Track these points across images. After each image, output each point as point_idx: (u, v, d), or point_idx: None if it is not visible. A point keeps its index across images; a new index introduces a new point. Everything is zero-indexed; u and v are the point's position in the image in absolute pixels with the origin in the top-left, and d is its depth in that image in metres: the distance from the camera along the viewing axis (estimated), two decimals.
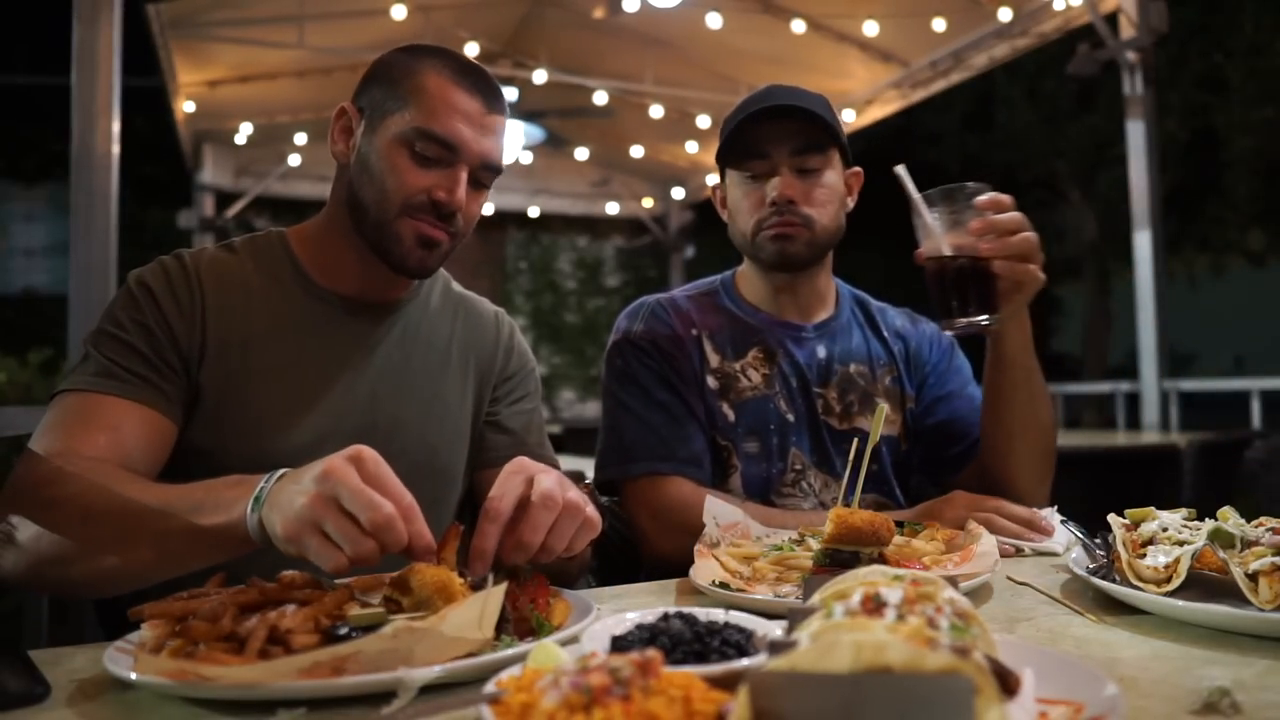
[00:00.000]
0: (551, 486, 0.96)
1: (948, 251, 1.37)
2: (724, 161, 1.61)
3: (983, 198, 1.36)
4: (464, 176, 1.27)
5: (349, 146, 1.32)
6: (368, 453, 0.89)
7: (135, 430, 1.17)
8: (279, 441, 1.25)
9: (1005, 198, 1.37)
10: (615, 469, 1.58)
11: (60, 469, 1.09)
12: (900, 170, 1.40)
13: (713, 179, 1.72)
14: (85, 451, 1.12)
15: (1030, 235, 1.36)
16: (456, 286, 1.55)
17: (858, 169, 1.65)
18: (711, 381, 1.61)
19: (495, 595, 0.84)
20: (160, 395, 1.21)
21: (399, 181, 1.26)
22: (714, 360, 1.62)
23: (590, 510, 1.00)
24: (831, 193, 1.57)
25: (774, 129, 1.53)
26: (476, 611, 0.82)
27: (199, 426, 1.24)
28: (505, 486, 0.97)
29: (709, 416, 1.60)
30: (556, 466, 1.49)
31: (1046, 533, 1.34)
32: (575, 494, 0.99)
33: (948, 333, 1.53)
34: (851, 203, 1.65)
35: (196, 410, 1.24)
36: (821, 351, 1.66)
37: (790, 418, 1.60)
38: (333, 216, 1.36)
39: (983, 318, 1.37)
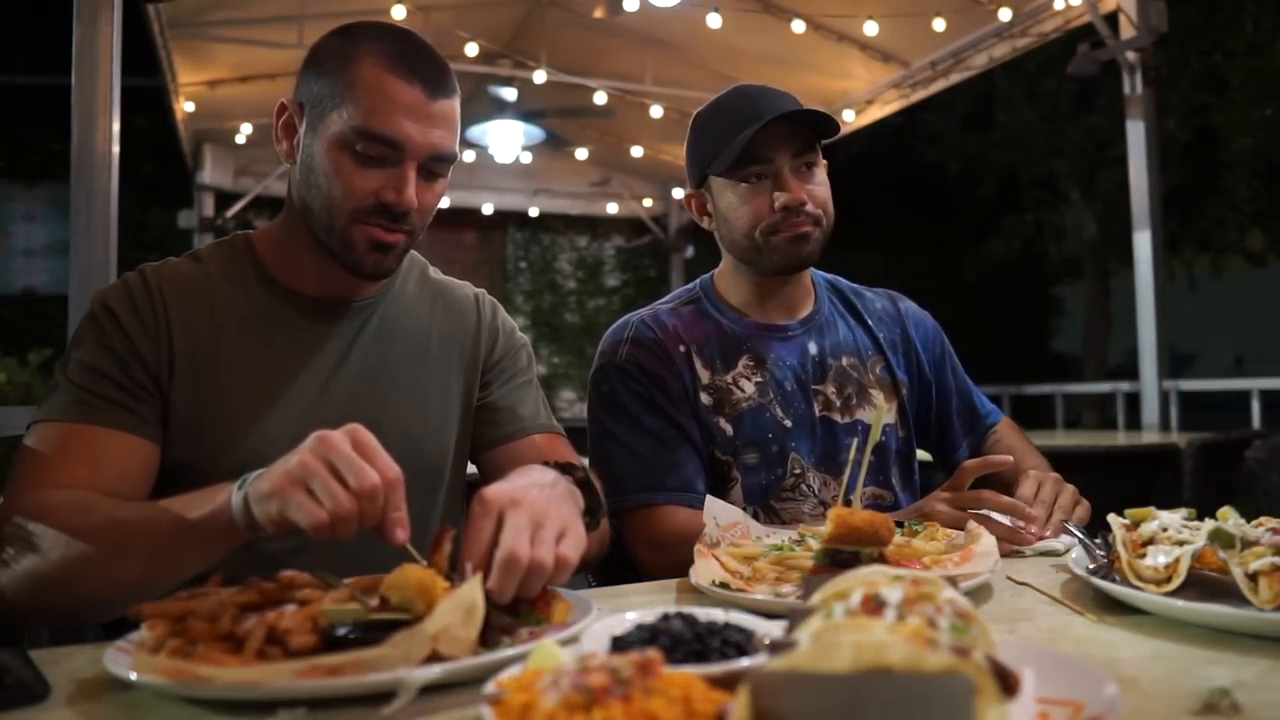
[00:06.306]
0: (514, 545, 0.91)
1: None
2: (721, 171, 1.55)
3: None
4: (412, 174, 1.20)
5: (293, 145, 1.25)
6: (362, 430, 0.93)
7: (116, 458, 1.16)
8: (259, 451, 1.21)
9: None
10: (607, 501, 1.50)
11: (43, 499, 1.09)
12: None
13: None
14: (66, 484, 1.11)
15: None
16: (434, 273, 1.50)
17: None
18: (705, 398, 1.57)
19: (473, 587, 0.84)
20: (136, 418, 1.19)
21: (344, 186, 1.20)
22: (705, 376, 1.59)
23: (565, 548, 0.95)
24: (826, 186, 1.58)
25: (774, 133, 1.50)
26: (460, 609, 0.82)
27: (177, 442, 1.22)
28: (474, 534, 0.94)
29: (706, 434, 1.56)
30: (561, 434, 1.48)
31: (1033, 520, 1.34)
32: (546, 539, 0.94)
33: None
34: None
35: (173, 426, 1.22)
36: (812, 348, 1.64)
37: (787, 423, 1.58)
38: (290, 216, 1.30)
39: None
